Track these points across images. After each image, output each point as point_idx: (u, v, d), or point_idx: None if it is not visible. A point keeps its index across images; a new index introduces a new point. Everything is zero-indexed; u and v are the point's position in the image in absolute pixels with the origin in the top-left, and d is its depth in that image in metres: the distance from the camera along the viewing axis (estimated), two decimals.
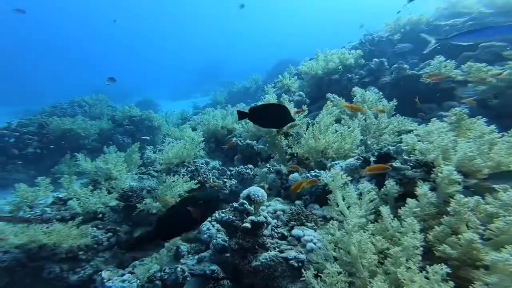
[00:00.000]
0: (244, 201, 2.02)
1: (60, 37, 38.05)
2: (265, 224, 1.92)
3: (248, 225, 1.87)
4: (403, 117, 3.32)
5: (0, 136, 5.93)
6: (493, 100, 3.73)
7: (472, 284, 1.09)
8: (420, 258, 1.17)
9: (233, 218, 1.96)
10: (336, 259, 1.47)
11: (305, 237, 1.92)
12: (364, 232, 1.43)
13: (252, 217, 1.92)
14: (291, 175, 2.70)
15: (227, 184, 3.46)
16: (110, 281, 2.23)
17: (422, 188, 1.44)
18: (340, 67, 5.37)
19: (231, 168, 3.83)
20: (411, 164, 1.75)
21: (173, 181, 2.97)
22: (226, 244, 2.21)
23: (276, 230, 2.09)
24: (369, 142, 2.61)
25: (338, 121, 3.23)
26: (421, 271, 1.12)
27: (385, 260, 1.27)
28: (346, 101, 3.77)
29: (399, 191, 1.67)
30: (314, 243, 1.87)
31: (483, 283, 1.07)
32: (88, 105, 8.73)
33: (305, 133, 3.05)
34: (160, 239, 2.07)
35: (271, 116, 1.54)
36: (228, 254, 2.16)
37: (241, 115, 1.55)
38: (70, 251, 2.47)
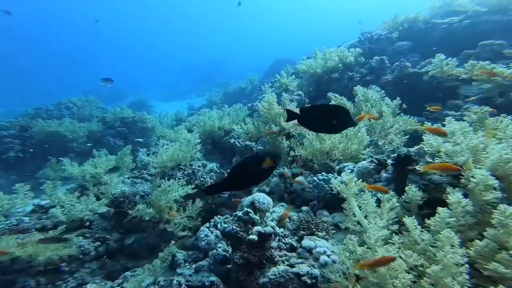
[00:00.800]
0: (249, 210, 1.82)
1: (51, 37, 36.97)
2: (273, 236, 1.73)
3: (254, 237, 1.68)
4: (408, 116, 3.20)
5: None
6: (499, 98, 3.64)
7: None
8: (466, 277, 1.00)
9: (237, 228, 1.76)
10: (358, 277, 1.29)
11: (317, 248, 1.74)
12: (390, 246, 1.25)
13: (259, 228, 1.72)
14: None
15: None
16: None
17: (455, 195, 1.27)
18: (339, 65, 5.23)
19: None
20: None
21: (169, 186, 2.77)
22: (228, 255, 2.02)
23: (283, 241, 1.90)
24: (380, 143, 2.44)
25: None
26: None
27: (421, 280, 1.10)
28: (348, 100, 3.61)
29: (423, 198, 1.50)
30: (328, 255, 1.69)
31: None
32: (76, 106, 8.33)
33: (308, 134, 2.88)
34: (233, 189, 1.93)
35: (327, 119, 1.22)
36: (229, 266, 1.97)
37: (290, 115, 1.27)
38: (49, 263, 2.25)
